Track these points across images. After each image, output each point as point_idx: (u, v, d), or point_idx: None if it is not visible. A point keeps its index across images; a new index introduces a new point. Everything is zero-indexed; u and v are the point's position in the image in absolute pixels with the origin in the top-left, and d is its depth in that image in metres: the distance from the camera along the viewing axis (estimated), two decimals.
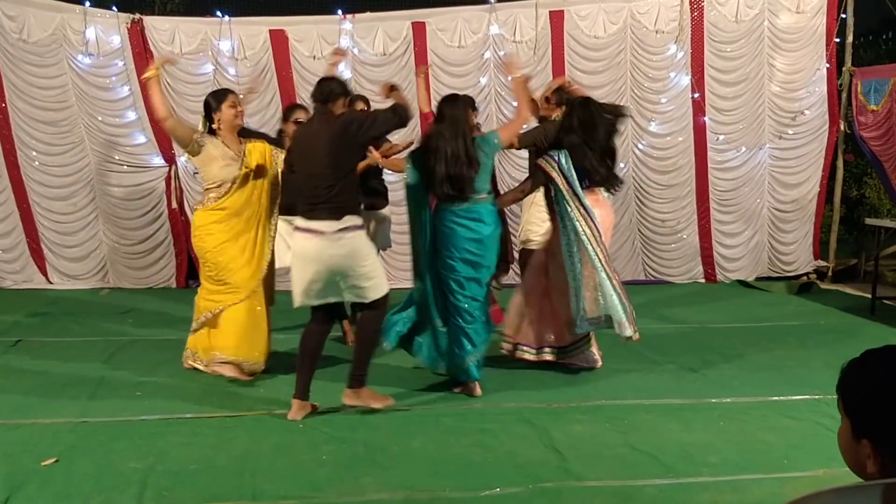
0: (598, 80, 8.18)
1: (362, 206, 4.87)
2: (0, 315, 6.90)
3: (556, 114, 5.45)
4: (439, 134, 4.71)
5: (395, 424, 4.35)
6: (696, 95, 8.28)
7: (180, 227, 8.13)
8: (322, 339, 4.59)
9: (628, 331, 4.98)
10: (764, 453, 3.97)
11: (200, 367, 5.22)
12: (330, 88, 4.41)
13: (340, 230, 4.29)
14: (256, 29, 7.98)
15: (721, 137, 8.43)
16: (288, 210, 5.06)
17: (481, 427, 4.30)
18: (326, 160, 4.30)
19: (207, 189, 5.10)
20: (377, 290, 4.45)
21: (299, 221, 4.41)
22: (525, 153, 6.28)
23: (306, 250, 4.33)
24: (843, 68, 8.45)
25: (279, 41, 7.96)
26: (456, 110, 4.76)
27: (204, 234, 5.08)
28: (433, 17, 8.10)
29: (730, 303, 7.69)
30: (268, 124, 7.68)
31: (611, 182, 5.24)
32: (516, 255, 6.37)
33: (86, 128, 7.92)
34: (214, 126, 5.05)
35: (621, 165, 8.29)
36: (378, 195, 6.04)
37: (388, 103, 4.55)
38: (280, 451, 3.95)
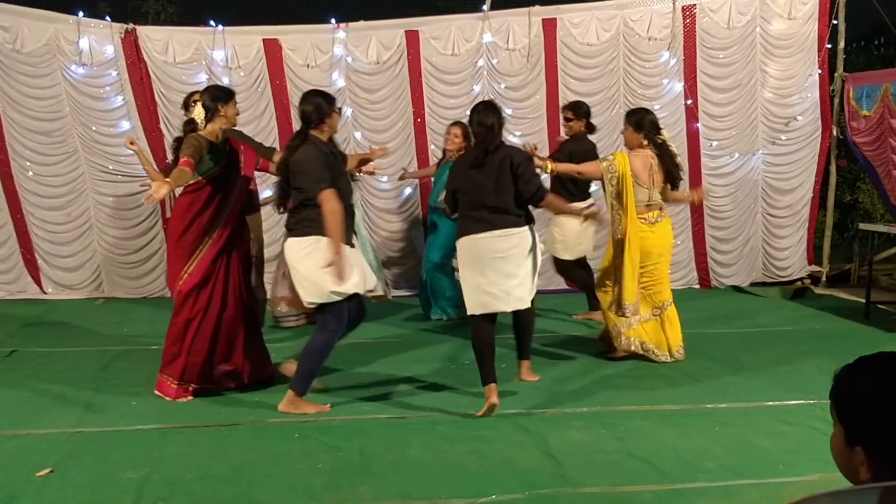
0: (592, 87, 8.21)
1: None
2: None
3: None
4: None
5: (390, 432, 4.34)
6: (689, 102, 8.31)
7: None
8: None
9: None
10: (760, 458, 3.98)
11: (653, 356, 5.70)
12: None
13: None
14: (250, 38, 7.99)
15: (714, 143, 8.46)
16: None
17: (477, 434, 4.29)
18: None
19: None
20: None
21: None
22: None
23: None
24: (836, 74, 8.50)
25: (273, 50, 7.97)
26: None
27: None
28: (426, 26, 8.12)
29: (724, 309, 7.69)
30: (262, 133, 7.70)
31: None
32: None
33: (80, 138, 7.91)
34: None
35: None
36: None
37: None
38: (276, 460, 3.95)
